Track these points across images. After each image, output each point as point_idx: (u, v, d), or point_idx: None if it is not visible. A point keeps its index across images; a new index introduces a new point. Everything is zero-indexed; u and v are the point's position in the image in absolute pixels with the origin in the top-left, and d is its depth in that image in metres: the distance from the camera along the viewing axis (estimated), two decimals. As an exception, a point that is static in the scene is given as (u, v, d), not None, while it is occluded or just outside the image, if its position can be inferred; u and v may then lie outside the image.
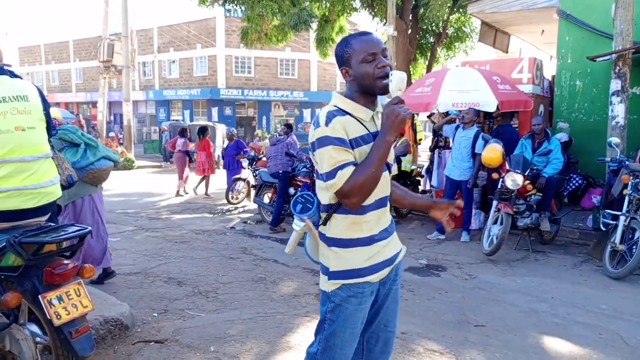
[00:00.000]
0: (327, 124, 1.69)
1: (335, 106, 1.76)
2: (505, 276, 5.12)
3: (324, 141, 1.68)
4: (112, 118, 33.59)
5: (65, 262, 2.41)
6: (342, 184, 1.65)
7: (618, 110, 6.68)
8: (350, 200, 1.68)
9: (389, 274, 1.89)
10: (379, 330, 1.93)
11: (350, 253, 1.77)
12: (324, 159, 1.68)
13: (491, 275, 5.15)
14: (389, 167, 1.85)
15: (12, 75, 2.54)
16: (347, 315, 1.78)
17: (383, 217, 1.85)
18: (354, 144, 1.70)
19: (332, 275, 1.79)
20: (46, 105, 2.65)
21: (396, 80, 1.65)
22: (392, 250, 1.88)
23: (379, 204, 1.81)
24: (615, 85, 6.70)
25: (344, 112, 1.73)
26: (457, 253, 6.02)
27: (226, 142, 11.01)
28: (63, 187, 3.89)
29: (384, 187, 1.81)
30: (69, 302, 2.32)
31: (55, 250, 2.42)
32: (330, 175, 1.67)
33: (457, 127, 6.88)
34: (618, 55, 6.59)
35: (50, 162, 2.65)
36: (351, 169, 1.66)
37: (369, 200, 1.76)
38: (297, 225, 1.86)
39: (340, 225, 1.77)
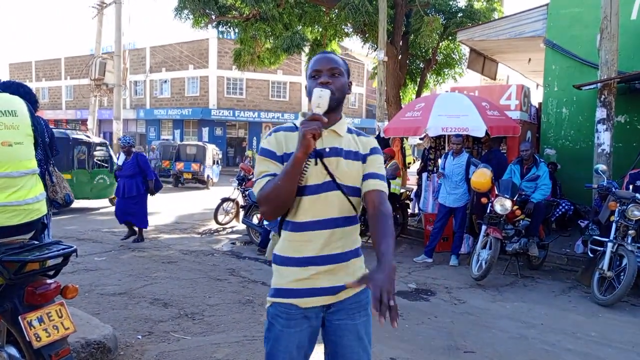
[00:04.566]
0: (267, 137, 1.78)
1: (293, 123, 1.83)
2: (494, 301, 5.10)
3: (259, 152, 1.79)
4: (101, 136, 33.43)
5: (48, 281, 2.35)
6: (257, 193, 1.71)
7: (604, 138, 6.80)
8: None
9: (340, 306, 1.75)
10: None
11: (281, 271, 1.77)
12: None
13: (480, 300, 5.13)
14: (339, 187, 1.71)
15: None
16: (277, 335, 1.73)
17: (331, 242, 1.71)
18: (286, 158, 1.70)
19: (269, 292, 1.80)
20: (34, 121, 2.62)
21: (315, 97, 1.61)
22: (335, 282, 1.72)
23: (322, 225, 1.70)
24: (600, 113, 6.83)
25: (296, 128, 1.76)
26: (446, 277, 6.00)
27: (122, 157, 7.40)
28: (60, 206, 3.83)
29: (329, 208, 1.70)
30: (49, 324, 2.24)
31: (38, 269, 2.35)
32: (253, 184, 1.76)
33: (446, 156, 6.92)
34: (603, 84, 6.74)
35: (37, 179, 2.61)
36: (266, 179, 1.70)
37: (305, 218, 1.70)
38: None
39: (282, 242, 1.79)
